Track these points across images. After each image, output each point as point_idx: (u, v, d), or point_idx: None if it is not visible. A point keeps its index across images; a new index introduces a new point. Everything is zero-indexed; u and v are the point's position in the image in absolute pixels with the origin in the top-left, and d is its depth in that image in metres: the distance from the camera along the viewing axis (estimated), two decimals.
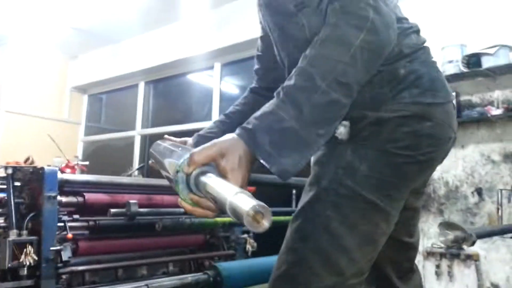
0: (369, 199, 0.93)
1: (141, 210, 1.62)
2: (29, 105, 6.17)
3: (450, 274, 2.63)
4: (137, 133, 6.10)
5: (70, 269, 1.77)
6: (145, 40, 5.86)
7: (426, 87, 0.98)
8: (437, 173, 3.18)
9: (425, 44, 1.06)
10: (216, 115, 5.13)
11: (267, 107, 0.84)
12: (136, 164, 5.91)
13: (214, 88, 5.32)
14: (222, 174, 0.77)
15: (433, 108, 0.97)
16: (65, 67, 6.70)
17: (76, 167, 2.49)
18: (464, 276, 2.62)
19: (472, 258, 2.67)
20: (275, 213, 2.38)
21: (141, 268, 2.22)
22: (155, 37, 5.72)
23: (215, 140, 0.81)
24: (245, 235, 2.54)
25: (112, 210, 1.55)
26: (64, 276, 1.80)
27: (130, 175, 3.23)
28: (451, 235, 2.18)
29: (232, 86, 5.71)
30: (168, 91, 6.27)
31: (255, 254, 2.54)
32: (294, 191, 3.06)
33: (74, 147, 6.52)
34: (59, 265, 1.72)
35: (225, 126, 1.31)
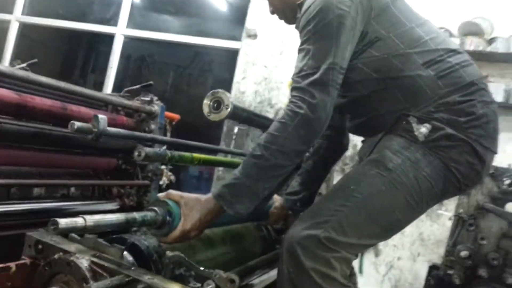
0: (417, 198, 1.13)
1: (110, 129, 1.18)
2: None
3: None
4: (15, 18, 5.03)
5: None
6: None
7: (489, 134, 1.16)
8: None
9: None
10: (124, 22, 4.48)
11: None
12: (8, 56, 4.93)
13: None
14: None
15: (488, 153, 1.17)
16: None
17: None
18: None
19: None
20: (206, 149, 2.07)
21: (40, 188, 1.81)
22: None
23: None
24: (163, 167, 2.26)
25: (77, 124, 1.08)
26: None
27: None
28: None
29: None
30: None
31: (170, 188, 2.29)
32: None
33: None
34: None
35: None
